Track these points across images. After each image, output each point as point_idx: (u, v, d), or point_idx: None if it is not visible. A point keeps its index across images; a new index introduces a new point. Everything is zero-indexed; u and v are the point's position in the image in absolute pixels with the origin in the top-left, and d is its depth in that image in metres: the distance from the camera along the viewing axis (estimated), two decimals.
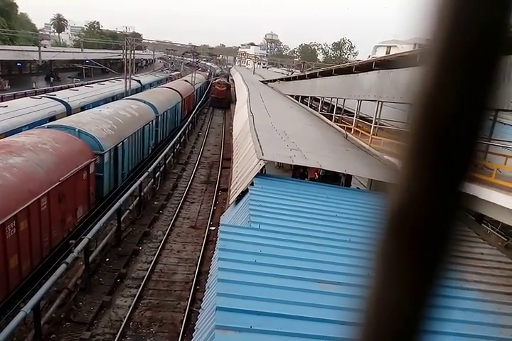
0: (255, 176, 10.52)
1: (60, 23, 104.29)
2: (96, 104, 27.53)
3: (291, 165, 14.00)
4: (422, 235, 0.37)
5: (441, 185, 0.36)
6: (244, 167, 12.65)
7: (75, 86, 38.90)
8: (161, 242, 14.75)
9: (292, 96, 35.33)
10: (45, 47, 61.29)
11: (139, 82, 42.91)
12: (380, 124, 17.65)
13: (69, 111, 24.51)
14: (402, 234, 0.38)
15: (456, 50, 0.37)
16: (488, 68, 0.37)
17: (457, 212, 0.38)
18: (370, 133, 16.58)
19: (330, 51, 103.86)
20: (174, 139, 25.74)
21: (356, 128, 18.74)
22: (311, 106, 30.89)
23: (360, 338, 0.42)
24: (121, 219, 14.63)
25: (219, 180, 22.57)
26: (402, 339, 0.39)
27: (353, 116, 19.88)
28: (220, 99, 51.47)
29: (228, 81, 60.52)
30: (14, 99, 29.88)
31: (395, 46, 56.36)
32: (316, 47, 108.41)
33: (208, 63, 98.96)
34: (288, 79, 39.29)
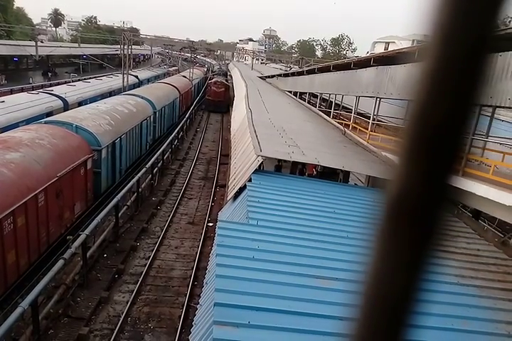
0: (253, 172, 10.53)
1: (57, 18, 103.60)
2: (93, 99, 27.43)
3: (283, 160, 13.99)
4: (415, 218, 0.45)
5: (431, 177, 0.44)
6: (242, 163, 12.65)
7: (72, 81, 38.72)
8: (158, 238, 14.77)
9: (290, 92, 35.27)
10: (42, 42, 60.89)
11: (136, 77, 42.73)
12: (377, 121, 17.66)
13: (66, 106, 24.43)
14: (399, 217, 0.46)
15: (451, 50, 0.42)
16: (478, 67, 0.42)
17: (445, 200, 0.45)
18: (367, 129, 16.59)
19: (328, 47, 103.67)
20: (172, 135, 25.70)
21: (354, 125, 18.74)
22: (309, 103, 30.85)
23: (360, 306, 0.50)
24: (119, 214, 14.63)
25: (217, 176, 22.58)
26: (397, 306, 0.47)
27: (351, 113, 19.88)
28: (217, 101, 44.02)
29: (227, 80, 53.12)
30: (11, 94, 29.74)
31: (394, 42, 56.30)
32: (315, 43, 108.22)
33: (208, 59, 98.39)
34: (286, 75, 39.18)
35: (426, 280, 0.46)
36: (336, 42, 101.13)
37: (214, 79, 47.67)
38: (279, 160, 15.47)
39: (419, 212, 0.44)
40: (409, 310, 0.47)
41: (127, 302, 10.97)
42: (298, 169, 15.06)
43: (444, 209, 0.45)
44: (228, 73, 65.70)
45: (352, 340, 0.51)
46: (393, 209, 0.46)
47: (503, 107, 11.13)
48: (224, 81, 47.87)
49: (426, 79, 0.44)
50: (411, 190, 0.44)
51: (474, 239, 9.05)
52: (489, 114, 12.57)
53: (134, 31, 75.77)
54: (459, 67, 0.42)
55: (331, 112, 23.10)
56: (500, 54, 9.36)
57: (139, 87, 36.72)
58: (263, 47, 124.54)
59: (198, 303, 6.80)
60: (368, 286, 0.48)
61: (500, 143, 13.68)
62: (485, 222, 14.96)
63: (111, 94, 32.14)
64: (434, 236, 0.45)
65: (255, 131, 14.20)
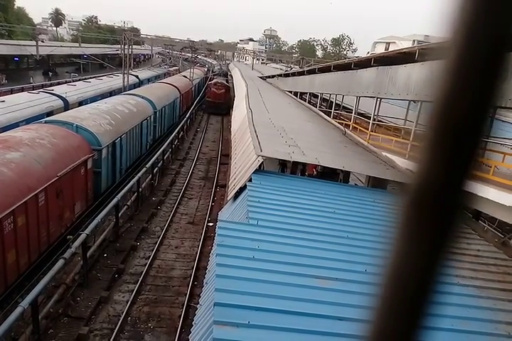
0: (253, 172, 10.53)
1: (57, 18, 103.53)
2: (94, 99, 27.44)
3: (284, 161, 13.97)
4: (437, 209, 0.48)
5: (453, 169, 0.47)
6: (242, 163, 12.65)
7: (73, 81, 38.74)
8: (159, 238, 14.78)
9: (291, 92, 35.26)
10: (42, 41, 60.96)
11: (136, 77, 42.73)
12: (378, 121, 17.65)
13: (67, 106, 24.44)
14: (421, 206, 0.48)
15: (472, 50, 0.44)
16: (499, 66, 0.44)
17: (464, 193, 0.48)
18: (368, 129, 16.59)
19: (329, 47, 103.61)
20: (172, 135, 25.71)
21: (354, 125, 18.74)
22: (309, 103, 30.85)
23: (380, 297, 0.52)
24: (119, 214, 14.64)
25: (217, 176, 22.58)
26: (418, 295, 0.50)
27: (352, 113, 19.88)
28: (217, 103, 42.44)
29: (227, 80, 51.73)
30: (11, 93, 29.75)
31: (394, 42, 56.27)
32: (315, 43, 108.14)
33: (209, 60, 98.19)
34: (287, 75, 39.17)
35: (446, 268, 0.49)
36: (337, 42, 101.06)
37: (214, 80, 45.96)
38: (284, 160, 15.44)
39: (440, 203, 0.47)
40: (430, 296, 0.50)
41: (127, 302, 10.97)
42: (299, 170, 15.05)
43: (464, 201, 0.48)
44: (229, 73, 65.46)
45: (373, 325, 0.53)
46: (417, 199, 0.49)
47: (505, 108, 11.13)
48: (224, 82, 46.24)
49: (447, 77, 0.45)
50: (434, 182, 0.47)
51: (474, 240, 9.05)
52: (490, 115, 12.54)
53: (135, 31, 75.78)
54: (479, 66, 0.44)
55: (331, 112, 23.10)
56: None
57: (139, 86, 36.70)
58: (263, 47, 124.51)
59: (198, 303, 6.81)
60: (390, 273, 0.51)
61: (501, 144, 13.68)
62: (485, 223, 14.95)
63: (111, 93, 32.14)
64: (455, 226, 0.48)
65: (255, 131, 14.20)
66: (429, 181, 0.47)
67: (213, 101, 42.78)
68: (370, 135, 16.20)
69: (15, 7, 72.49)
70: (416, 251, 0.49)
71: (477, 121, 0.46)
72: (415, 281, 0.50)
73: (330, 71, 23.48)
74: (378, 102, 16.70)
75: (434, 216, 0.48)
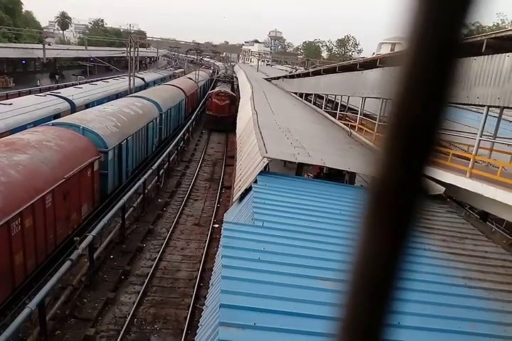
0: (259, 174, 10.52)
1: (64, 21, 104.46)
2: (100, 101, 27.61)
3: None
4: (395, 202, 0.52)
5: (410, 166, 0.51)
6: (247, 164, 12.65)
7: (79, 83, 39.03)
8: (164, 239, 14.81)
9: (296, 93, 35.23)
10: (49, 44, 61.41)
11: (142, 79, 42.94)
12: (384, 122, 17.58)
13: (73, 108, 24.61)
14: (381, 200, 0.53)
15: (421, 53, 0.47)
16: (448, 68, 0.47)
17: (420, 188, 0.52)
18: (374, 130, 16.53)
19: (334, 48, 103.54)
20: (178, 137, 25.79)
21: (360, 126, 18.68)
22: (314, 104, 30.80)
23: (349, 283, 0.55)
24: (126, 216, 14.70)
25: (222, 178, 22.61)
26: (382, 283, 0.54)
27: (357, 114, 19.82)
28: (219, 118, 33.18)
29: (233, 87, 42.79)
30: (19, 96, 30.01)
31: (400, 43, 55.97)
32: (320, 45, 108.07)
33: (216, 63, 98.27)
34: (292, 77, 39.14)
35: (408, 257, 0.53)
36: (342, 43, 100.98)
37: (216, 89, 37.12)
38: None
39: (398, 196, 0.52)
40: (393, 285, 0.54)
41: (133, 304, 11.00)
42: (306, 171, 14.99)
43: (421, 194, 0.52)
44: (234, 75, 65.33)
45: (343, 315, 0.56)
46: (377, 194, 0.53)
47: (508, 108, 11.04)
48: (228, 90, 37.47)
49: (403, 79, 0.49)
50: (391, 177, 0.51)
51: (482, 241, 8.97)
52: (497, 115, 12.48)
53: (141, 34, 76.25)
54: (431, 67, 0.47)
55: (336, 113, 23.05)
56: (508, 54, 9.30)
57: (145, 89, 36.90)
58: (269, 49, 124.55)
59: (204, 305, 6.80)
60: (356, 264, 0.56)
61: (509, 145, 13.57)
62: (493, 224, 14.81)
63: (117, 96, 32.32)
64: (413, 217, 0.52)
65: (261, 133, 14.19)
66: (388, 175, 0.51)
67: (215, 116, 33.64)
68: (375, 136, 16.13)
69: (22, 11, 73.25)
70: (378, 244, 0.54)
71: (431, 119, 0.49)
72: (380, 268, 0.54)
73: (335, 72, 23.44)
74: (384, 103, 16.63)
75: (393, 207, 0.52)
